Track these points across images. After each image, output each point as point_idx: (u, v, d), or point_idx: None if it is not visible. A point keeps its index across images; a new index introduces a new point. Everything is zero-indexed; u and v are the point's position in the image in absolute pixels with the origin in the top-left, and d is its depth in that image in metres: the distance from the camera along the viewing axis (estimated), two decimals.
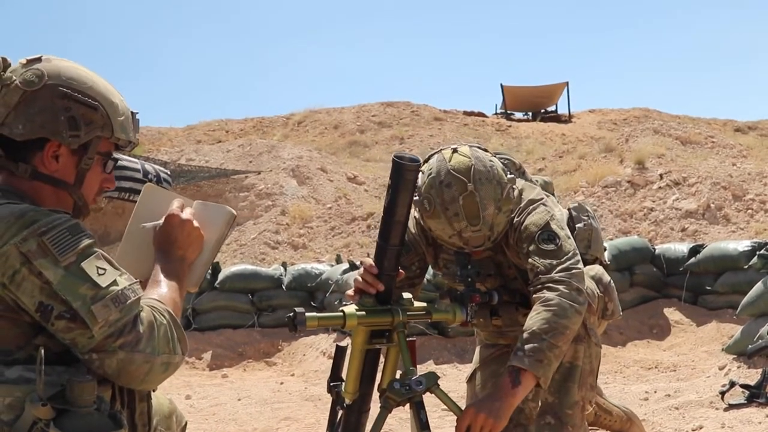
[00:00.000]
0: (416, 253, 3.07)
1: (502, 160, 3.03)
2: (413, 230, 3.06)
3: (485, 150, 2.89)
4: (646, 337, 7.83)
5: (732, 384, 5.15)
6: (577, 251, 2.82)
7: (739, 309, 6.32)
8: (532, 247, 2.80)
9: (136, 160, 12.39)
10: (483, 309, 3.10)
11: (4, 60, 1.83)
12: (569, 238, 2.84)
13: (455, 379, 6.72)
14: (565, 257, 2.76)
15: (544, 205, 2.91)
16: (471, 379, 3.29)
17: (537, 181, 3.25)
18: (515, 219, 2.89)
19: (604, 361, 6.86)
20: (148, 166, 12.05)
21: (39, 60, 1.85)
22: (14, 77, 1.81)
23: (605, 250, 3.43)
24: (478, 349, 3.32)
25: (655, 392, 5.82)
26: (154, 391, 1.93)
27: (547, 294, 2.68)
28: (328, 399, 2.70)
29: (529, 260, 2.79)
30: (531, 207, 2.89)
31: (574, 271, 2.73)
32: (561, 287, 2.68)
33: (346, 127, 22.10)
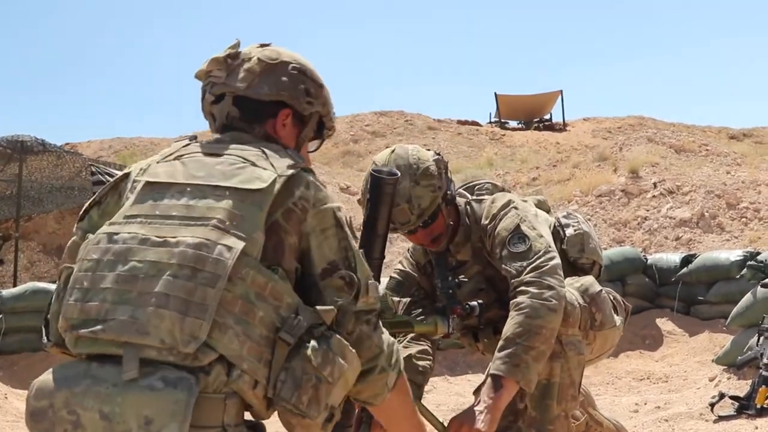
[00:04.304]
0: (411, 284, 3.21)
1: (484, 185, 3.13)
2: (404, 264, 3.23)
3: (438, 155, 3.03)
4: (638, 348, 7.80)
5: (721, 395, 5.14)
6: (551, 248, 2.86)
7: (728, 320, 6.32)
8: (504, 252, 2.87)
9: None
10: (467, 334, 3.19)
11: (238, 42, 2.11)
12: (542, 236, 2.88)
13: (446, 392, 6.71)
14: (534, 256, 2.80)
15: (515, 208, 2.97)
16: (477, 391, 3.31)
17: (530, 200, 3.27)
18: (488, 225, 2.97)
19: (596, 372, 6.87)
20: None
21: (269, 45, 2.14)
22: (253, 53, 2.09)
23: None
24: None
25: (645, 404, 5.81)
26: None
27: (519, 298, 2.73)
28: None
29: (503, 266, 2.85)
30: (502, 212, 2.97)
31: (544, 268, 2.77)
32: (531, 288, 2.72)
33: (339, 136, 22.10)
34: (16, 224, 12.88)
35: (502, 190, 3.24)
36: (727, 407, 5.11)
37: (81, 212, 2.10)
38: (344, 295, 1.90)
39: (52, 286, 7.98)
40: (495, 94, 24.47)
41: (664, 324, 8.10)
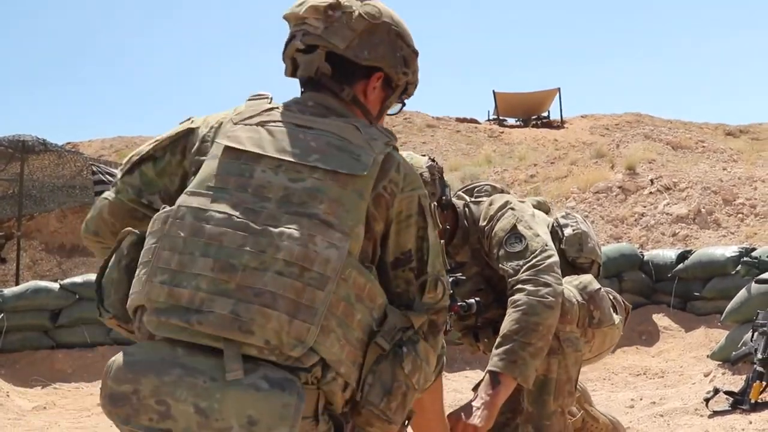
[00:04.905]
0: None
1: (483, 186, 3.20)
2: None
3: (433, 161, 3.03)
4: (635, 344, 7.83)
5: (716, 391, 5.16)
6: (548, 246, 2.91)
7: (723, 316, 6.33)
8: (501, 252, 2.93)
9: None
10: (468, 335, 3.26)
11: None
12: (538, 236, 2.93)
13: (444, 388, 6.71)
14: (531, 255, 2.86)
15: (511, 209, 3.04)
16: (476, 388, 3.37)
17: (530, 201, 3.33)
18: (486, 227, 3.01)
19: (592, 367, 6.89)
20: None
21: None
22: (354, 7, 1.93)
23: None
24: None
25: (641, 399, 5.84)
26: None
27: (516, 296, 2.79)
28: None
29: (501, 266, 2.90)
30: (499, 213, 3.04)
31: (540, 266, 2.82)
32: (528, 286, 2.79)
33: None
34: (18, 223, 12.91)
35: (502, 191, 3.29)
36: (722, 402, 5.13)
37: (127, 165, 1.97)
38: (410, 288, 1.83)
39: (54, 285, 8.02)
40: (493, 91, 24.46)
41: (661, 320, 8.13)
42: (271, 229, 1.66)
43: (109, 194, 1.99)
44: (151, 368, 1.61)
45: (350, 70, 1.94)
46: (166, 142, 1.93)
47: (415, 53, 2.03)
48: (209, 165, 1.77)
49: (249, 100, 1.93)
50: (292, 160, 1.74)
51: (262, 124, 1.82)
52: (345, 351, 1.67)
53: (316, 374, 1.65)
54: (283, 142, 1.77)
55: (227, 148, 1.77)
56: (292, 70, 1.99)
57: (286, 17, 1.97)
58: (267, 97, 1.93)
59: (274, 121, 1.82)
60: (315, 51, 1.92)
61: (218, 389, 1.57)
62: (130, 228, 1.86)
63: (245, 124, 1.83)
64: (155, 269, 1.67)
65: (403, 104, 2.13)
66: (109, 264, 1.86)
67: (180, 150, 1.91)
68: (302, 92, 1.98)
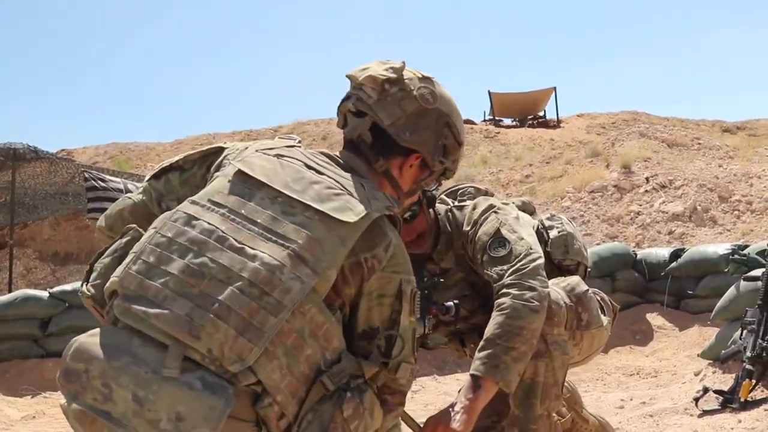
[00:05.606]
0: None
1: (466, 189, 3.15)
2: None
3: None
4: (628, 343, 7.80)
5: (705, 390, 5.13)
6: (533, 249, 2.87)
7: (713, 314, 6.30)
8: (485, 257, 2.90)
9: (118, 179, 12.36)
10: (453, 339, 3.26)
11: (403, 65, 2.05)
12: (522, 239, 2.90)
13: (434, 391, 6.70)
14: (515, 259, 2.82)
15: (494, 213, 3.00)
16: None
17: (514, 203, 3.30)
18: (470, 231, 2.97)
19: (585, 368, 6.86)
20: (130, 185, 12.00)
21: (431, 80, 2.08)
22: (412, 86, 2.03)
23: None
24: None
25: (631, 400, 5.81)
26: None
27: (500, 300, 2.75)
28: None
29: (485, 272, 2.86)
30: (483, 217, 3.00)
31: (525, 270, 2.78)
32: (512, 290, 2.75)
33: (334, 138, 22.09)
34: (10, 231, 12.91)
35: (486, 193, 3.26)
36: (712, 401, 5.11)
37: (157, 170, 2.12)
38: (374, 356, 1.88)
39: (43, 293, 7.99)
40: (489, 92, 24.42)
41: (654, 318, 8.11)
42: (248, 249, 1.75)
43: (134, 195, 2.13)
44: (104, 351, 1.69)
45: (389, 146, 2.03)
46: (196, 156, 2.09)
47: (459, 144, 2.12)
48: (218, 181, 1.90)
49: (280, 137, 2.09)
50: (290, 195, 1.83)
51: (279, 156, 1.94)
52: (285, 381, 1.72)
53: (255, 389, 1.71)
54: (288, 177, 1.87)
55: (239, 171, 1.89)
56: (344, 125, 2.11)
57: (348, 77, 2.07)
58: (294, 139, 2.08)
59: (290, 157, 1.94)
60: (364, 117, 2.03)
61: (156, 381, 1.64)
62: (135, 225, 1.96)
63: (264, 153, 1.94)
64: (136, 259, 1.78)
65: (440, 183, 2.25)
66: (107, 251, 1.95)
67: (207, 165, 2.05)
68: (343, 148, 2.10)
